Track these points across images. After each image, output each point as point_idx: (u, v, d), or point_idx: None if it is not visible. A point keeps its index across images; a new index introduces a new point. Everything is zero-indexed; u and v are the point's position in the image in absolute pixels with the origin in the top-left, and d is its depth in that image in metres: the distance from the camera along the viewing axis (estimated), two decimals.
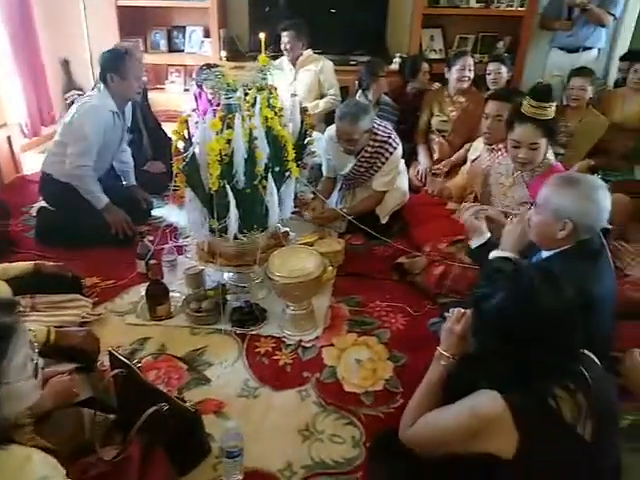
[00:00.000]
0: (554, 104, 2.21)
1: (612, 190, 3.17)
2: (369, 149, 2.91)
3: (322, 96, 4.01)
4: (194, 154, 2.11)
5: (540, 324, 1.17)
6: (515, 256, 1.83)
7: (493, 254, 1.89)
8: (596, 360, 1.31)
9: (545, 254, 1.75)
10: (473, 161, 2.89)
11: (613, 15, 3.86)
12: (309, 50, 3.93)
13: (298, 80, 3.93)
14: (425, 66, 3.90)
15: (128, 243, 2.81)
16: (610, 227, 2.83)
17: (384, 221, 3.06)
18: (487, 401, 1.18)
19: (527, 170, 2.31)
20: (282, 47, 3.89)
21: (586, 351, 1.31)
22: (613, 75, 4.40)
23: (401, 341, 2.24)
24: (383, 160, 2.93)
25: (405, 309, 2.43)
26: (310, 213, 3.01)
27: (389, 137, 2.93)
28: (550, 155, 2.29)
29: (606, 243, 1.79)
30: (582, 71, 3.49)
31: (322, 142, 3.11)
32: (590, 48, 4.01)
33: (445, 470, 1.27)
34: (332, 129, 3.00)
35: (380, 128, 2.93)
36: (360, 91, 3.71)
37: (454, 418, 1.24)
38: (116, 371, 1.63)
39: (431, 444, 1.32)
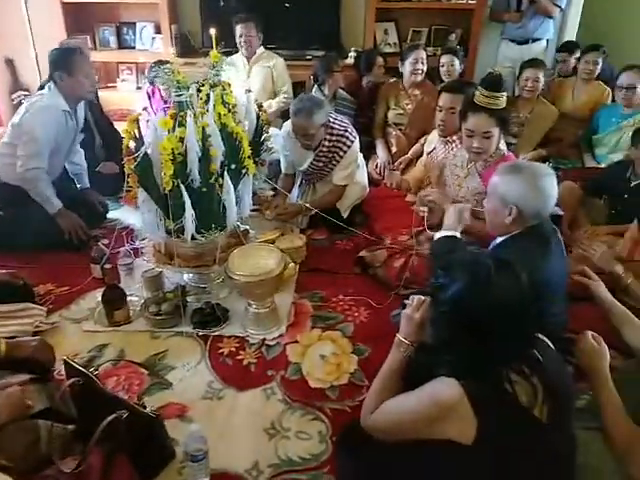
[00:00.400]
0: (505, 94, 2.25)
1: (562, 178, 3.29)
2: (326, 143, 2.91)
3: (275, 94, 3.99)
4: (146, 154, 2.06)
5: (496, 313, 1.19)
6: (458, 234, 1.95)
7: (437, 235, 1.98)
8: (549, 343, 1.35)
9: (499, 240, 1.81)
10: (429, 153, 2.93)
11: (559, 6, 3.98)
12: (262, 47, 3.90)
13: (252, 77, 3.89)
14: (380, 60, 3.91)
15: (82, 247, 2.72)
16: (561, 214, 2.97)
17: (345, 215, 3.06)
18: (445, 388, 1.19)
19: (481, 160, 2.34)
20: (238, 42, 3.83)
21: (539, 335, 1.34)
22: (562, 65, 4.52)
23: (365, 334, 2.25)
24: (341, 154, 2.93)
25: (368, 302, 2.44)
26: (272, 211, 2.99)
27: (345, 131, 2.93)
28: (502, 145, 2.34)
29: (559, 230, 1.85)
30: (534, 62, 3.59)
31: (279, 138, 3.09)
32: (539, 39, 4.12)
33: (408, 458, 1.28)
34: (289, 125, 2.98)
35: (336, 122, 2.93)
36: (316, 86, 3.70)
37: (414, 405, 1.26)
38: (72, 380, 1.58)
39: (392, 430, 1.34)
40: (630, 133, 3.09)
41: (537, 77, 3.50)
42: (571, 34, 4.58)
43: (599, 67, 3.65)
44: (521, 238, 1.73)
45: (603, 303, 1.77)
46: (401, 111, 3.78)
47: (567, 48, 3.98)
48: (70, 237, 2.76)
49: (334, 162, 2.97)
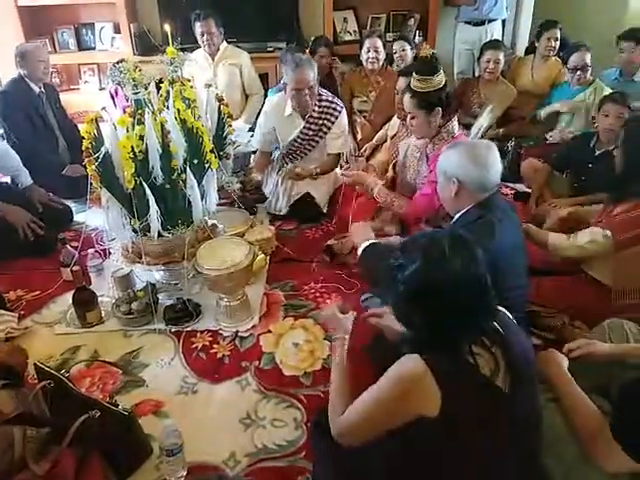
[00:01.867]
0: (439, 75, 2.27)
1: (524, 156, 3.35)
2: (316, 109, 2.98)
3: (244, 88, 3.98)
4: (107, 153, 2.05)
5: (452, 289, 1.20)
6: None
7: (359, 251, 2.04)
8: (509, 315, 1.38)
9: (455, 218, 1.85)
10: (392, 137, 2.96)
11: None
12: (224, 42, 3.87)
13: (218, 74, 3.86)
14: (322, 50, 3.84)
15: (49, 250, 2.68)
16: (528, 190, 3.03)
17: (325, 210, 3.12)
18: (408, 363, 1.21)
19: (418, 137, 2.44)
20: (199, 40, 3.79)
21: (499, 307, 1.37)
22: (522, 44, 4.59)
23: None
24: (332, 120, 3.00)
25: (338, 289, 2.48)
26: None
27: (333, 99, 3.04)
28: (454, 127, 2.36)
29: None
30: (494, 44, 3.65)
31: (262, 116, 3.17)
32: (494, 20, 4.17)
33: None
34: (274, 99, 3.12)
35: (323, 91, 3.03)
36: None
37: (384, 389, 1.26)
38: (42, 384, 1.58)
39: (367, 426, 1.30)
40: (583, 108, 3.18)
41: (497, 58, 3.56)
42: (528, 12, 4.64)
43: (557, 44, 3.70)
44: (473, 211, 1.76)
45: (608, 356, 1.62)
46: (364, 98, 3.82)
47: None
48: (25, 234, 2.72)
49: (324, 129, 3.03)
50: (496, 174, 1.75)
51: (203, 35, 3.76)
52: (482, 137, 3.45)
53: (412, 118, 2.36)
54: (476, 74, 4.03)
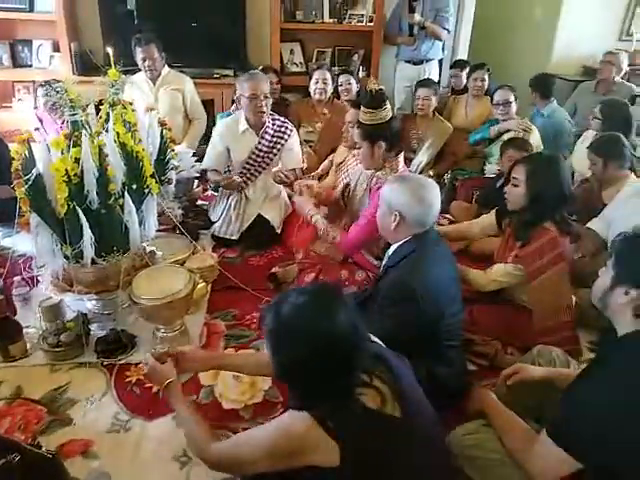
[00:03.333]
0: (383, 110, 2.35)
1: (459, 188, 3.49)
2: (270, 125, 3.04)
3: (187, 113, 3.93)
4: (38, 176, 1.94)
5: (305, 351, 1.16)
6: None
7: None
8: (381, 343, 1.40)
9: (392, 249, 1.91)
10: (339, 164, 3.02)
11: (447, 29, 4.25)
12: (166, 67, 3.82)
13: (160, 99, 3.80)
14: (271, 76, 3.82)
15: None
16: None
17: (279, 230, 3.14)
18: (294, 420, 1.19)
19: (366, 168, 2.52)
20: (140, 65, 3.73)
21: (372, 337, 1.38)
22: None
23: None
24: (285, 137, 3.07)
25: None
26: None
27: (286, 120, 3.13)
28: (399, 163, 2.43)
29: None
30: (426, 82, 3.82)
31: (213, 138, 3.17)
32: (431, 60, 4.36)
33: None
34: (227, 119, 3.18)
35: (275, 114, 3.11)
36: (234, 105, 3.72)
37: (267, 439, 1.23)
38: None
39: (250, 466, 1.27)
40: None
41: (428, 96, 3.70)
42: (462, 54, 4.90)
43: (486, 83, 3.96)
44: (409, 245, 1.83)
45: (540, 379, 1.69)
46: (311, 129, 3.87)
47: (458, 65, 4.33)
48: None
49: (278, 147, 3.07)
50: (436, 213, 1.86)
51: (145, 60, 3.69)
52: (421, 172, 3.58)
53: (358, 148, 2.45)
54: (414, 111, 4.18)
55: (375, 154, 2.39)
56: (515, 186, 2.20)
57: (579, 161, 3.37)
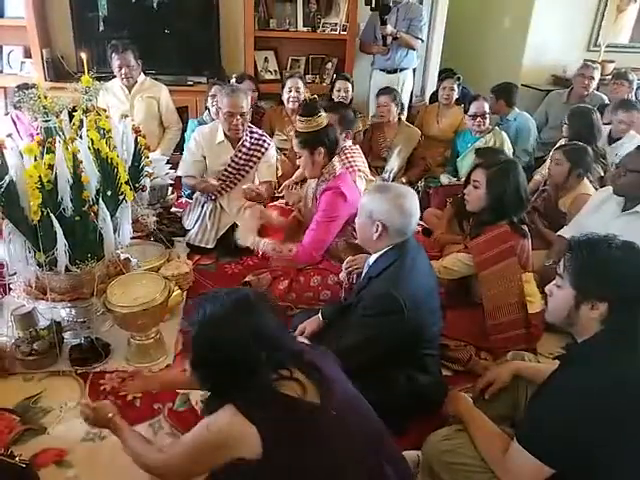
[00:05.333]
0: (317, 117, 2.42)
1: (433, 195, 3.56)
2: (248, 139, 3.06)
3: (162, 121, 3.93)
4: (11, 182, 1.92)
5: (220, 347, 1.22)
6: None
7: None
8: (302, 340, 1.49)
9: (372, 258, 1.92)
10: None
11: (420, 39, 4.31)
12: (142, 74, 3.82)
13: (135, 106, 3.79)
14: (247, 84, 3.90)
15: None
16: None
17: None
18: (224, 415, 1.21)
19: (309, 177, 2.63)
20: (117, 72, 3.71)
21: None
22: (430, 91, 4.91)
23: None
24: (262, 151, 3.10)
25: None
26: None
27: (263, 134, 3.16)
28: (334, 166, 2.50)
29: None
30: (385, 90, 3.87)
31: (191, 141, 3.19)
32: (405, 69, 4.40)
33: None
34: (205, 128, 3.17)
35: (254, 127, 3.13)
36: (207, 112, 3.72)
37: (195, 438, 1.27)
38: None
39: (187, 467, 1.30)
40: None
41: (386, 103, 3.75)
42: (435, 62, 4.99)
43: (455, 92, 4.01)
44: (391, 254, 1.85)
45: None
46: (284, 137, 3.89)
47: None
48: None
49: (254, 159, 3.10)
50: (416, 222, 1.89)
51: (121, 68, 3.68)
52: (393, 180, 3.63)
53: (299, 158, 2.51)
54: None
55: (315, 161, 2.45)
56: (476, 188, 2.28)
57: None
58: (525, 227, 2.31)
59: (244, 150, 3.08)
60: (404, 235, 1.85)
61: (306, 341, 1.64)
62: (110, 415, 1.52)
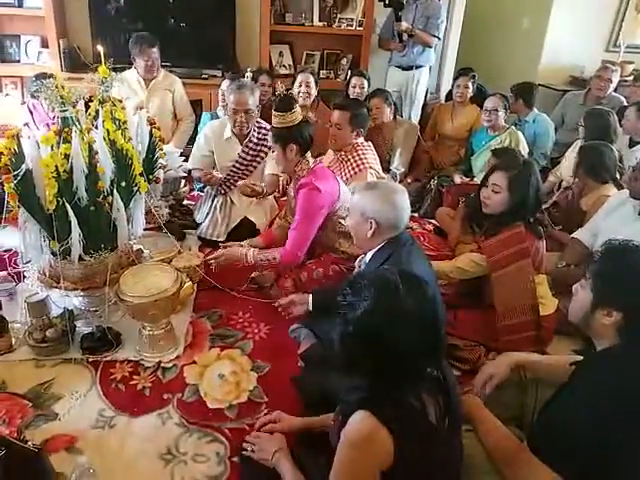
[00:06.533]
0: (291, 113, 2.39)
1: (445, 194, 3.54)
2: (255, 134, 3.03)
3: (175, 114, 3.94)
4: (27, 171, 1.94)
5: (407, 330, 1.15)
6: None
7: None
8: (445, 364, 1.35)
9: (369, 255, 1.94)
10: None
11: (437, 37, 4.28)
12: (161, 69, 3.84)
13: (151, 99, 3.82)
14: (263, 78, 3.94)
15: None
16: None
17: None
18: (361, 424, 1.16)
19: (281, 171, 2.70)
20: (142, 63, 3.73)
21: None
22: (446, 90, 4.87)
23: (264, 350, 2.26)
24: (269, 145, 2.98)
25: (267, 318, 2.45)
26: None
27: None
28: (308, 161, 2.49)
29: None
30: (376, 92, 3.84)
31: (201, 138, 3.19)
32: (422, 66, 4.38)
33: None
34: (214, 123, 3.18)
35: (263, 122, 3.09)
36: (220, 106, 3.73)
37: (348, 457, 1.20)
38: None
39: None
40: None
41: (378, 105, 3.70)
42: (451, 61, 4.96)
43: (470, 90, 3.98)
44: (385, 249, 1.87)
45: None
46: None
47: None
48: None
49: (262, 155, 3.08)
50: (407, 216, 1.91)
51: (147, 61, 3.70)
52: (401, 181, 3.61)
53: (273, 152, 2.52)
54: (404, 115, 4.23)
55: (287, 156, 2.45)
56: (495, 192, 2.25)
57: (568, 170, 3.45)
58: (540, 228, 2.29)
59: (251, 145, 3.08)
60: (397, 229, 1.88)
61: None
62: (274, 450, 1.52)
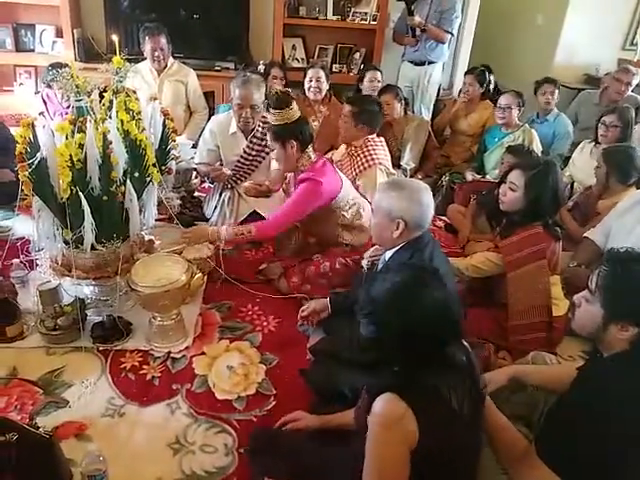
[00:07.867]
0: (289, 110, 2.37)
1: (457, 192, 3.52)
2: (260, 129, 2.99)
3: (189, 106, 3.95)
4: (42, 160, 1.95)
5: (433, 317, 1.22)
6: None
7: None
8: (468, 346, 1.38)
9: (389, 254, 1.93)
10: (336, 163, 3.04)
11: (450, 32, 4.22)
12: (171, 58, 3.84)
13: (163, 90, 3.82)
14: (275, 71, 3.94)
15: None
16: None
17: None
18: (388, 405, 1.19)
19: (283, 170, 2.69)
20: (149, 55, 3.74)
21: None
22: (458, 86, 4.84)
23: (273, 343, 2.27)
24: None
25: (276, 311, 2.46)
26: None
27: None
28: (309, 155, 2.49)
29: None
30: (386, 88, 3.80)
31: (207, 132, 3.17)
32: (434, 62, 4.34)
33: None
34: (220, 117, 3.16)
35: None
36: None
37: (375, 445, 1.22)
38: None
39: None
40: None
41: (389, 101, 3.67)
42: (465, 57, 4.92)
43: (476, 88, 3.91)
44: (408, 248, 1.87)
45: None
46: None
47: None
48: None
49: (267, 150, 3.03)
50: (432, 214, 1.90)
51: (154, 51, 3.71)
52: (411, 176, 3.60)
53: (272, 151, 2.53)
54: (415, 111, 4.21)
55: (288, 155, 2.44)
56: (512, 190, 2.24)
57: (578, 170, 3.42)
58: (558, 229, 2.26)
59: (256, 140, 3.05)
60: (422, 228, 1.87)
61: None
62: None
